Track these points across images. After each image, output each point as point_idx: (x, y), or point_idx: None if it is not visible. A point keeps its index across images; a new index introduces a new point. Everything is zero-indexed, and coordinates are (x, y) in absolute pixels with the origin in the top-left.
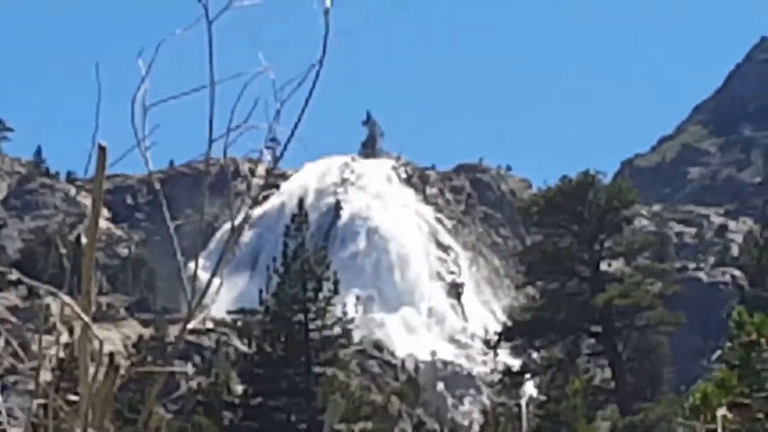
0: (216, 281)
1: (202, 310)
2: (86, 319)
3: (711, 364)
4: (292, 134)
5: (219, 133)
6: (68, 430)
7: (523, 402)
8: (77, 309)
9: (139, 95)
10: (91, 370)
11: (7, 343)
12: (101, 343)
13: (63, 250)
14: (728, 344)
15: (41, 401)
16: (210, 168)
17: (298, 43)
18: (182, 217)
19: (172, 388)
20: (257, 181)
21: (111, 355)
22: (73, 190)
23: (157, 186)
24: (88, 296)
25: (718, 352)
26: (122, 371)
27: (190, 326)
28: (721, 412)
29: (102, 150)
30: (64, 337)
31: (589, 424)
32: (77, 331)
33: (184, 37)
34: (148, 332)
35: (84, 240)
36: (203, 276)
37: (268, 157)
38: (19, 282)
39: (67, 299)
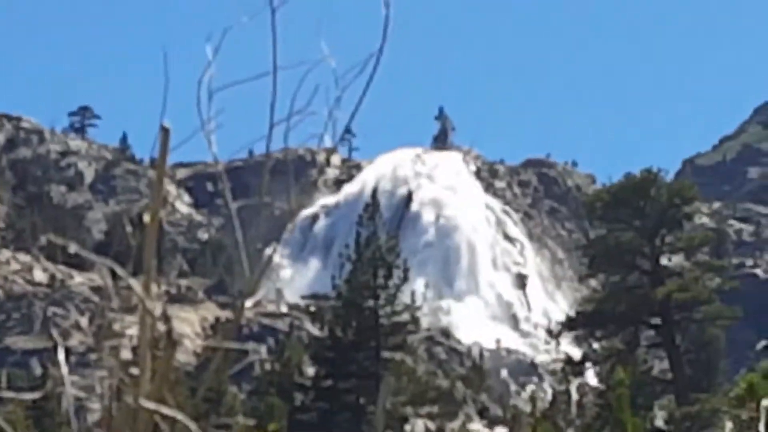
0: (287, 266)
1: (274, 291)
2: (143, 295)
3: (758, 354)
4: (350, 120)
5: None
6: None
7: (573, 388)
8: (137, 287)
9: (205, 79)
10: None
11: (91, 321)
12: (153, 320)
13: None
14: None
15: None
16: (278, 156)
17: (366, 33)
18: (261, 204)
19: (247, 369)
20: (331, 171)
21: (169, 331)
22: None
23: (220, 168)
24: (149, 274)
25: (764, 342)
26: (196, 349)
27: (249, 304)
28: (767, 402)
29: (165, 131)
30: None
31: (646, 413)
32: (157, 310)
33: (248, 25)
34: (225, 314)
35: (146, 219)
36: (277, 262)
37: (330, 144)
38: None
39: (130, 278)
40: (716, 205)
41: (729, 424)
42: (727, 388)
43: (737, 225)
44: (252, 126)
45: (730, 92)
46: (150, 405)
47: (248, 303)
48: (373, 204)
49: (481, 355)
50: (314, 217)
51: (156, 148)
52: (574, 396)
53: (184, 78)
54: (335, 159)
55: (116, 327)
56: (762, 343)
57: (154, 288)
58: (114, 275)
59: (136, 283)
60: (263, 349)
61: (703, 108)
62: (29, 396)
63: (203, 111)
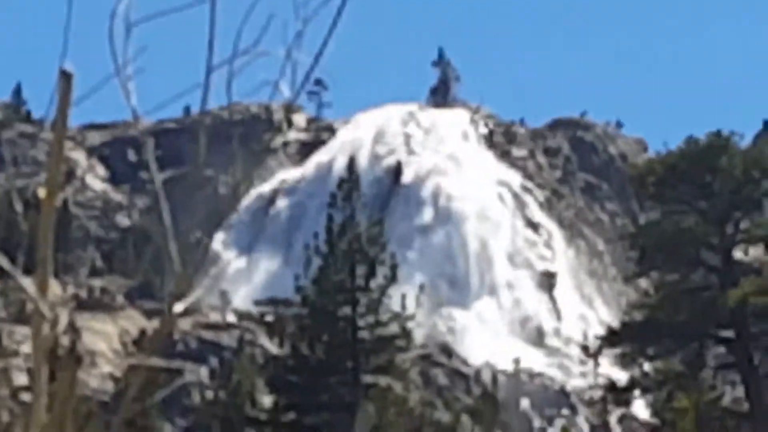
0: (237, 260)
1: (218, 295)
2: (37, 298)
3: None
4: (315, 63)
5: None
6: None
7: (613, 419)
8: (29, 287)
9: (120, 8)
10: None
11: None
12: (53, 331)
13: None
14: None
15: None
16: (222, 114)
17: None
18: (202, 179)
19: (182, 397)
20: (294, 135)
21: (72, 344)
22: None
23: (139, 128)
24: (45, 269)
25: None
26: (115, 371)
27: (180, 307)
28: None
29: (66, 77)
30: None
31: None
32: (63, 319)
33: None
34: (152, 325)
35: (42, 193)
36: (224, 254)
37: (287, 94)
38: None
39: (20, 276)
40: None
41: None
42: None
43: None
44: (186, 73)
45: None
46: None
47: (178, 307)
48: (350, 179)
49: (494, 380)
50: (272, 196)
51: (56, 101)
52: (614, 428)
53: (95, 8)
54: (299, 118)
55: (5, 342)
56: None
57: (54, 288)
58: (0, 272)
59: (28, 283)
60: (204, 371)
61: None
62: None
63: (118, 51)
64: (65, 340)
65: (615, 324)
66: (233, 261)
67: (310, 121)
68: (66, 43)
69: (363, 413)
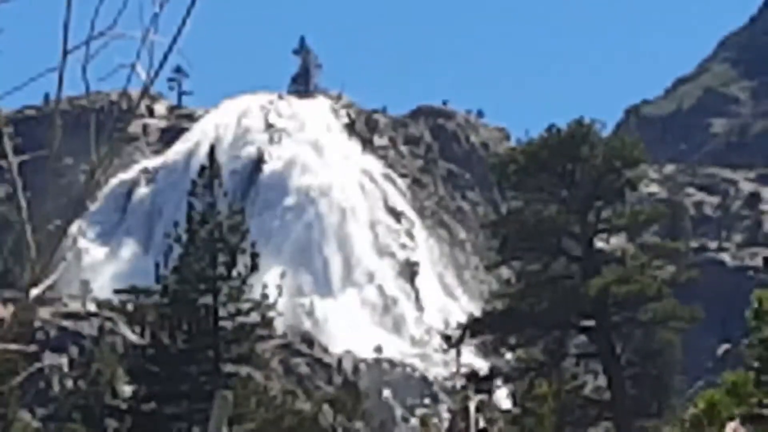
0: (97, 248)
1: (79, 284)
2: None
3: (720, 364)
4: (172, 46)
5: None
6: None
7: (471, 406)
8: None
9: None
10: None
11: None
12: None
13: None
14: (746, 340)
15: None
16: (82, 102)
17: None
18: (61, 167)
19: (42, 387)
20: (154, 123)
21: None
22: None
23: None
24: None
25: (725, 347)
26: None
27: (35, 293)
28: (732, 425)
29: None
30: None
31: None
32: None
33: None
34: (9, 313)
35: None
36: (83, 243)
37: (144, 78)
38: None
39: None
40: (669, 168)
41: None
42: (682, 411)
43: (697, 195)
44: (43, 57)
45: (688, 21)
46: None
47: (34, 292)
48: (211, 167)
49: (355, 369)
50: (132, 185)
51: None
52: (475, 420)
53: None
54: (159, 106)
55: None
56: (723, 347)
57: None
58: None
59: None
60: (64, 360)
61: (652, 41)
62: None
63: None
64: None
65: (477, 313)
66: (93, 249)
67: (171, 109)
68: None
69: (220, 400)
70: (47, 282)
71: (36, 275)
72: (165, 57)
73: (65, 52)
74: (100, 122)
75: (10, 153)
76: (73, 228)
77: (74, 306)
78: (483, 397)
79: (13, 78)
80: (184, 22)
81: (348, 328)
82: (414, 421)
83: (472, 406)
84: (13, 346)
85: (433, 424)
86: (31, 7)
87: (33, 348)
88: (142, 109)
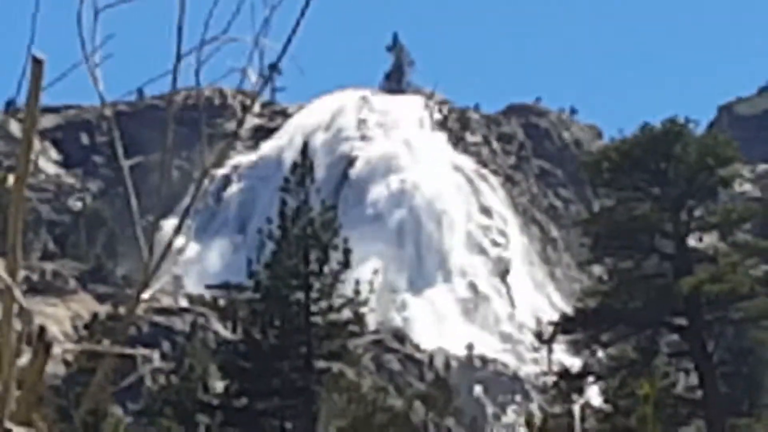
0: (187, 244)
1: (170, 278)
2: (10, 282)
3: None
4: (284, 50)
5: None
6: None
7: (576, 409)
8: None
9: None
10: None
11: None
12: (28, 316)
13: None
14: None
15: None
16: (183, 98)
17: None
18: (153, 163)
19: (134, 382)
20: (251, 119)
21: (41, 329)
22: (13, 124)
23: (108, 113)
24: (14, 253)
25: None
26: (66, 355)
27: (149, 297)
28: None
29: (37, 63)
30: None
31: None
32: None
33: None
34: (104, 309)
35: (11, 178)
36: (175, 238)
37: (255, 81)
38: None
39: None
40: (763, 167)
41: None
42: None
43: None
44: (143, 57)
45: None
46: (19, 431)
47: (145, 296)
48: (303, 163)
49: (447, 365)
50: (225, 181)
51: (24, 87)
52: (577, 419)
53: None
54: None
55: None
56: None
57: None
58: None
59: None
60: (156, 355)
61: (745, 39)
62: None
63: (86, 37)
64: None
65: (568, 310)
66: (187, 245)
67: (264, 105)
68: (34, 25)
69: (326, 404)
70: (157, 285)
71: (148, 277)
72: (277, 61)
73: (179, 56)
74: (196, 119)
75: (121, 158)
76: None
77: (166, 301)
78: (586, 398)
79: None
80: (295, 30)
81: (440, 325)
82: (505, 419)
83: (576, 408)
84: (121, 350)
85: (534, 424)
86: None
87: (133, 351)
88: (236, 106)
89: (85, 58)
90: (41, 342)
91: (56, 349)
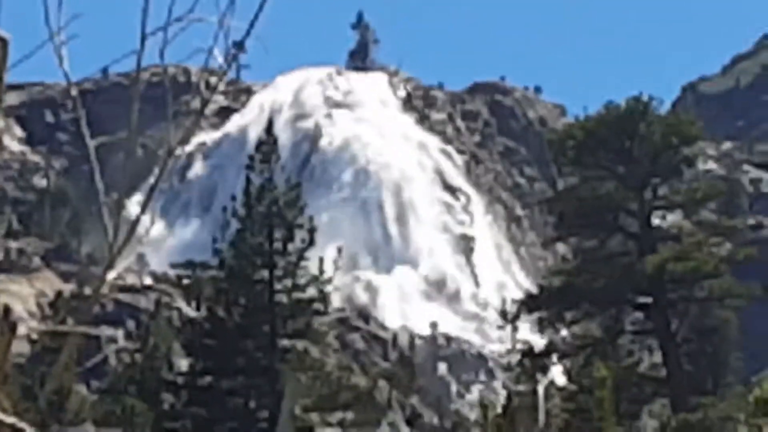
0: (154, 223)
1: (134, 257)
2: None
3: None
4: (249, 30)
5: (158, 28)
6: None
7: (540, 388)
8: None
9: None
10: None
11: None
12: None
13: None
14: None
15: None
16: (148, 76)
17: None
18: (117, 141)
19: (98, 360)
20: (215, 97)
21: (6, 309)
22: None
23: (74, 92)
24: None
25: None
26: (31, 334)
27: (114, 276)
28: None
29: (2, 42)
30: None
31: (632, 421)
32: None
33: None
34: (69, 288)
35: None
36: (141, 217)
37: (221, 61)
38: None
39: None
40: (727, 145)
41: None
42: (740, 390)
43: (755, 173)
44: (108, 36)
45: None
46: None
47: (111, 275)
48: (268, 141)
49: (411, 344)
50: (188, 159)
51: None
52: (541, 398)
53: None
54: (215, 80)
55: None
56: None
57: None
58: None
59: None
60: (120, 334)
61: (709, 17)
62: None
63: (52, 16)
64: None
65: (533, 289)
66: (147, 222)
67: (229, 83)
68: None
69: (291, 382)
70: (123, 264)
71: (114, 257)
72: (243, 41)
73: (143, 36)
74: (160, 97)
75: (87, 137)
76: (131, 203)
77: (131, 279)
78: (550, 377)
79: (86, 55)
80: (260, 9)
81: (404, 304)
82: (470, 397)
83: (540, 388)
84: (81, 329)
85: (490, 401)
86: None
87: (117, 334)
88: (201, 83)
89: (50, 36)
90: (6, 322)
91: (21, 329)
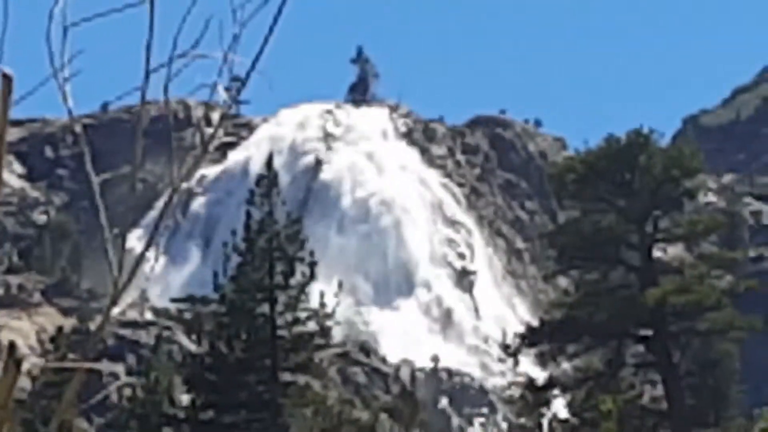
0: (155, 258)
1: (138, 294)
2: None
3: None
4: (253, 66)
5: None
6: None
7: (545, 422)
8: None
9: (56, 10)
10: None
11: None
12: None
13: None
14: None
15: None
16: (150, 110)
17: None
18: (117, 176)
19: (100, 395)
20: (215, 132)
21: (11, 345)
22: None
23: (78, 129)
24: None
25: None
26: (33, 370)
27: (116, 312)
28: None
29: (6, 79)
30: None
31: None
32: None
33: None
34: (69, 323)
35: None
36: (139, 251)
37: (225, 97)
38: None
39: None
40: (727, 178)
41: None
42: (742, 423)
43: (755, 205)
44: (109, 70)
45: (747, 31)
46: None
47: (115, 311)
48: (268, 176)
49: (413, 378)
50: (189, 194)
51: None
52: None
53: (26, 8)
54: (216, 115)
55: None
56: None
57: None
58: None
59: None
60: (121, 369)
61: (709, 51)
62: None
63: (56, 53)
64: None
65: (534, 322)
66: (151, 258)
67: (228, 117)
68: (2, 38)
69: (297, 418)
70: (127, 299)
71: (118, 293)
72: (247, 77)
73: (147, 72)
74: (160, 131)
75: (91, 173)
76: (132, 237)
77: (132, 315)
78: (552, 410)
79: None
80: (264, 45)
81: (405, 338)
82: (472, 430)
83: (545, 422)
84: (90, 365)
85: None
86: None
87: (118, 369)
88: (201, 118)
89: (54, 73)
90: (12, 358)
91: (24, 365)
